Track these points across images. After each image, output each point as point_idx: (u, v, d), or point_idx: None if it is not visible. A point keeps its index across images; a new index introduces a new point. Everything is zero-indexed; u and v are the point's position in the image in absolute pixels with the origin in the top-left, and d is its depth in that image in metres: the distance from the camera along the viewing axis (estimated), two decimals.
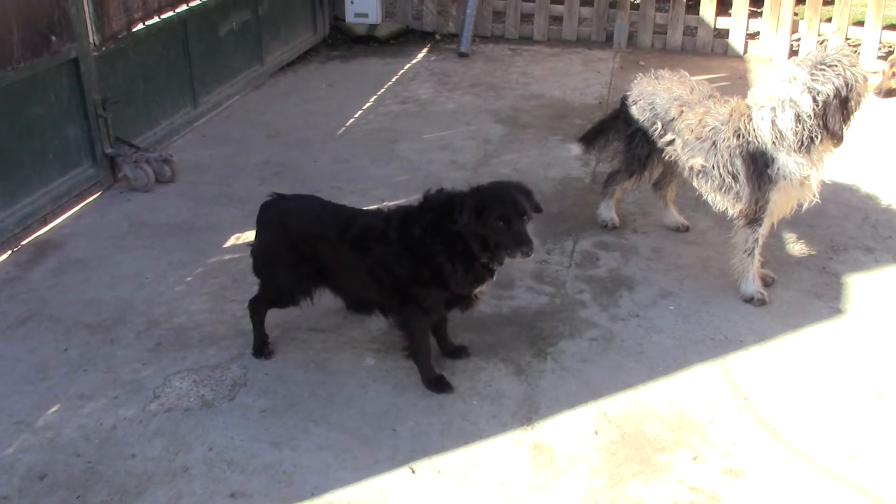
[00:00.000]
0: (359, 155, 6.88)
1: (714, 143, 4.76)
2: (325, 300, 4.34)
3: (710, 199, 5.00)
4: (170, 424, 3.85)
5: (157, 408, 3.96)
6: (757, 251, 4.81)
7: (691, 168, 4.93)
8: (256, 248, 4.28)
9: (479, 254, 3.83)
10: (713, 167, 4.80)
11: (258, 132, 7.31)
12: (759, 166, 4.58)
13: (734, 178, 4.73)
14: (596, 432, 3.84)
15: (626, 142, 5.37)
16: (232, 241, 5.46)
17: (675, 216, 5.69)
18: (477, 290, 3.99)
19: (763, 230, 4.78)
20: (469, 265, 3.87)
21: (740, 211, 4.81)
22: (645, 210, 5.95)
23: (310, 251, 4.07)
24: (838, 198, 6.06)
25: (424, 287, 3.91)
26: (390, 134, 7.32)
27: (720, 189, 4.85)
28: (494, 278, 4.00)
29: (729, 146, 4.68)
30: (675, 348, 4.44)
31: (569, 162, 6.75)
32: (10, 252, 5.28)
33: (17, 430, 3.81)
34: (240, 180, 6.38)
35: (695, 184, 5.02)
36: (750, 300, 4.82)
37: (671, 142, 5.00)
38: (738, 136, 4.64)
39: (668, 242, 5.52)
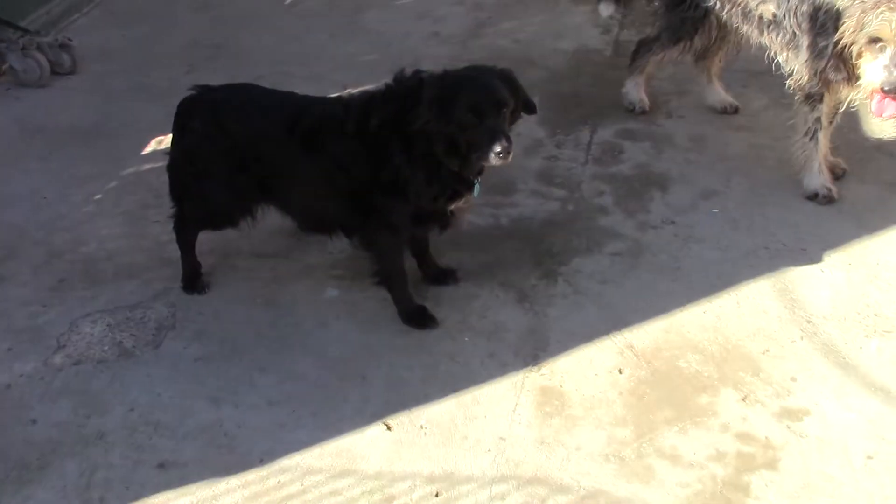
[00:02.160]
0: (314, 29, 6.78)
1: None
2: (273, 218, 4.31)
3: (781, 61, 4.92)
4: (79, 381, 3.84)
5: (63, 360, 3.95)
6: (822, 134, 4.76)
7: (760, 19, 4.82)
8: (178, 159, 4.20)
9: (445, 159, 3.77)
10: (784, 15, 4.69)
11: (183, 5, 7.21)
12: (821, 21, 4.49)
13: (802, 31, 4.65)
14: (620, 370, 3.85)
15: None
16: (153, 146, 5.41)
17: (720, 94, 5.61)
18: (452, 207, 3.96)
19: (826, 107, 4.71)
20: (433, 174, 3.82)
21: (795, 81, 4.74)
22: (682, 88, 5.87)
23: (251, 155, 4.02)
24: None
25: (386, 196, 3.88)
26: (354, 1, 7.21)
27: (789, 45, 4.76)
28: (476, 193, 3.95)
29: None
30: (721, 262, 4.43)
31: (584, 29, 6.65)
32: None
33: None
34: (161, 68, 6.28)
35: (765, 40, 4.93)
36: (814, 197, 4.79)
37: None
38: None
39: (712, 128, 5.46)
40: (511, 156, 3.63)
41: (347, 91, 4.88)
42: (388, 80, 3.90)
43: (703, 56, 5.50)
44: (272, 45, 6.58)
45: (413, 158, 3.78)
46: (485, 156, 3.63)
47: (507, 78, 3.77)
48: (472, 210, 4.27)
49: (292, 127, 3.95)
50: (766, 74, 5.38)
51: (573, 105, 5.66)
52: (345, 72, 6.12)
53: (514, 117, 3.79)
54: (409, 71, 3.87)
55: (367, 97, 3.93)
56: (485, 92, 3.65)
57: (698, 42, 5.31)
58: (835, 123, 4.86)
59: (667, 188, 4.96)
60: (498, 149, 3.58)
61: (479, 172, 3.87)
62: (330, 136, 3.89)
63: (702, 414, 3.64)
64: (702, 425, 3.59)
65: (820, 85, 4.63)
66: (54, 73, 6.16)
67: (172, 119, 4.16)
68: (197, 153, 4.12)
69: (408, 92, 3.76)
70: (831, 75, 4.49)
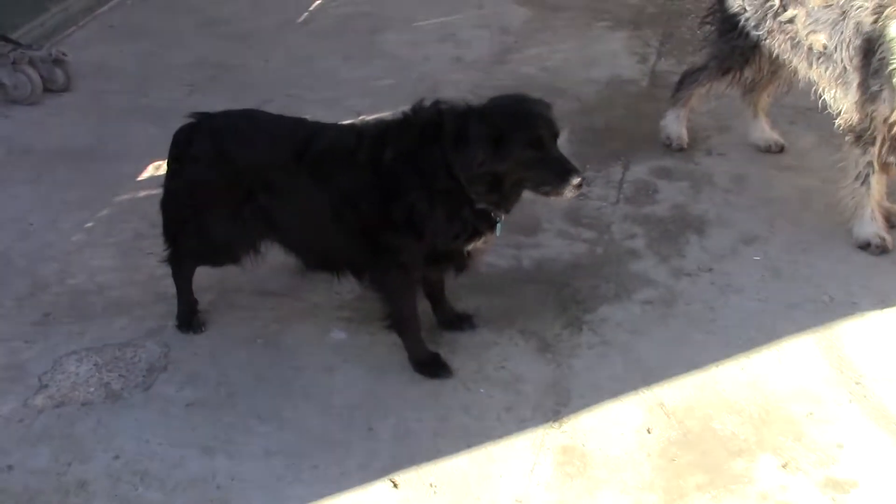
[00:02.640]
0: (327, 51, 6.83)
1: (844, 12, 4.64)
2: (276, 254, 4.33)
3: (828, 98, 4.93)
4: (61, 424, 3.85)
5: (45, 402, 3.96)
6: (874, 179, 4.76)
7: (810, 49, 4.84)
8: (175, 192, 4.22)
9: (483, 198, 3.80)
10: (835, 47, 4.70)
11: (187, 21, 7.27)
12: (877, 58, 4.50)
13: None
14: (648, 430, 3.84)
15: (723, 26, 5.30)
16: (150, 171, 5.46)
17: (765, 131, 5.63)
18: (470, 247, 3.97)
19: (878, 149, 4.72)
20: (455, 211, 3.83)
21: (845, 121, 4.75)
22: (723, 123, 5.89)
23: (257, 185, 4.04)
24: None
25: (398, 234, 3.89)
26: (371, 21, 7.27)
27: (838, 81, 4.77)
28: (498, 232, 3.97)
29: (859, 20, 4.57)
30: (761, 314, 4.42)
31: (619, 57, 6.69)
32: None
33: None
34: (161, 88, 6.34)
35: (813, 74, 4.94)
36: (866, 246, 4.78)
37: (791, 20, 4.91)
38: (880, 9, 4.50)
39: (755, 167, 5.48)
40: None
41: (361, 118, 4.93)
42: (406, 108, 3.94)
43: (751, 89, 5.53)
44: (281, 66, 6.64)
45: (433, 194, 3.80)
46: (559, 190, 3.71)
47: (543, 103, 3.85)
48: (492, 250, 4.29)
49: (300, 154, 3.98)
50: (815, 111, 5.42)
51: (605, 139, 5.68)
52: (359, 97, 6.17)
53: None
54: (427, 101, 3.90)
55: (383, 126, 3.96)
56: (543, 123, 3.71)
57: (748, 73, 5.34)
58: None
59: (704, 232, 4.97)
60: (577, 181, 3.67)
61: (509, 210, 3.90)
62: (339, 166, 3.92)
63: (737, 481, 3.62)
64: (737, 493, 3.57)
65: (872, 128, 4.63)
66: (46, 89, 6.21)
67: (173, 136, 4.20)
68: (198, 185, 4.13)
69: (426, 123, 3.80)
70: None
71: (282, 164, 4.00)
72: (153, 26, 7.17)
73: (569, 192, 3.72)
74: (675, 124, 5.63)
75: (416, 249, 3.93)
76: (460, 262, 4.04)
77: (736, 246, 4.87)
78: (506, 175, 3.72)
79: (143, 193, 5.24)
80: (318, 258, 4.21)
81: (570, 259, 4.78)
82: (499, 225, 3.93)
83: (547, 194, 3.77)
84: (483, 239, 3.96)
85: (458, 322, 4.35)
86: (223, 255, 4.27)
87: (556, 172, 3.70)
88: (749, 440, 3.79)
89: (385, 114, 4.24)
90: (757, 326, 4.35)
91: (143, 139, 5.72)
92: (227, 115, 4.21)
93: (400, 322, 4.09)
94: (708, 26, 5.50)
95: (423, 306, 4.24)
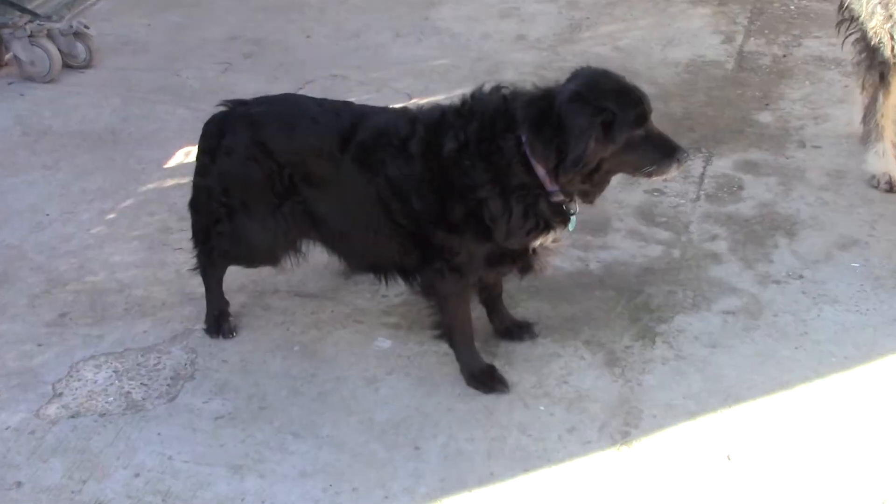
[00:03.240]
0: (375, 26, 6.85)
1: None
2: (317, 253, 4.36)
3: None
4: (76, 437, 3.89)
5: (59, 412, 4.00)
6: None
7: None
8: (208, 189, 4.22)
9: (574, 189, 3.79)
10: None
11: None
12: None
13: None
14: (728, 457, 3.81)
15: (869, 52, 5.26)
16: (179, 157, 5.52)
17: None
18: (538, 243, 3.96)
19: None
20: (532, 206, 3.82)
21: None
22: (818, 112, 5.86)
23: (299, 177, 4.06)
24: None
25: (456, 234, 3.89)
26: None
27: None
28: (571, 227, 3.96)
29: None
30: (860, 328, 4.38)
31: (702, 36, 6.66)
32: None
33: None
34: (193, 65, 6.40)
35: None
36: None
37: None
38: None
39: (855, 162, 5.44)
40: None
41: (413, 102, 4.92)
42: (465, 92, 3.94)
43: None
44: (324, 43, 6.67)
45: (506, 190, 3.78)
46: (664, 170, 3.78)
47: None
48: (549, 260, 4.27)
49: (346, 140, 3.99)
50: None
51: (684, 129, 5.65)
52: (411, 79, 6.19)
53: None
54: (488, 85, 3.90)
55: (439, 113, 3.95)
56: (644, 98, 3.74)
57: None
58: None
59: (795, 234, 4.94)
60: (683, 156, 3.75)
61: (593, 200, 3.91)
62: (389, 156, 3.92)
63: None
64: None
65: None
66: (66, 65, 6.30)
67: (202, 127, 4.23)
68: (233, 180, 4.15)
69: (493, 110, 3.80)
70: None
71: (326, 153, 4.02)
72: None
73: (674, 171, 3.81)
74: (878, 161, 5.38)
75: (478, 251, 3.93)
76: (526, 262, 4.03)
77: (831, 251, 4.84)
78: (606, 160, 3.71)
79: (170, 182, 5.30)
80: (363, 259, 4.22)
81: (642, 263, 4.77)
82: (573, 219, 3.93)
83: (650, 175, 3.83)
84: (552, 235, 3.96)
85: (517, 331, 4.35)
86: (260, 256, 4.31)
87: (662, 151, 3.74)
88: (847, 472, 3.74)
89: (440, 97, 4.25)
90: (854, 342, 4.31)
91: (171, 122, 5.79)
92: (263, 102, 4.23)
93: (452, 330, 4.10)
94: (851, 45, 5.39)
95: (478, 313, 4.25)
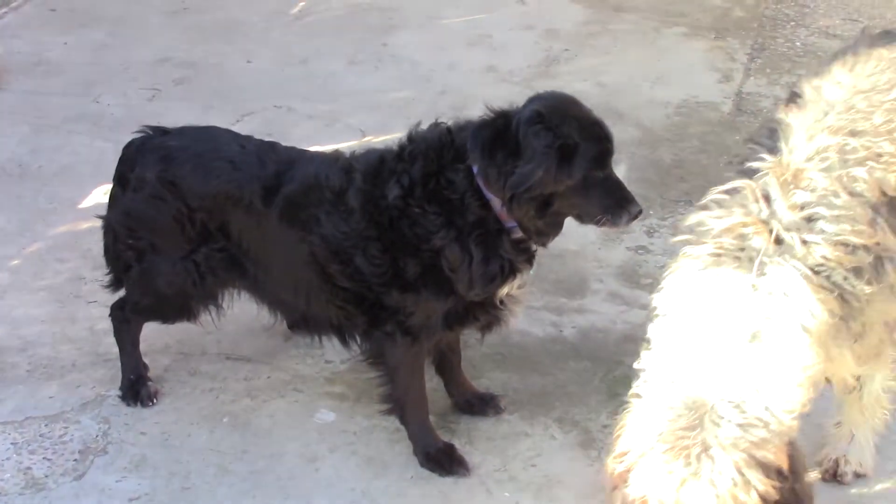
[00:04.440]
0: (326, 52, 6.89)
1: None
2: (248, 309, 4.36)
3: None
4: None
5: None
6: None
7: None
8: (117, 223, 4.26)
9: (526, 224, 3.80)
10: None
11: (152, 6, 7.35)
12: None
13: None
14: None
15: None
16: (97, 196, 5.50)
17: None
18: (505, 291, 3.98)
19: None
20: (493, 246, 3.83)
21: None
22: None
23: (216, 225, 4.09)
24: None
25: (412, 293, 3.90)
26: (384, 15, 7.34)
27: None
28: (533, 269, 4.00)
29: None
30: None
31: (696, 73, 6.73)
32: None
33: None
34: (116, 90, 6.41)
35: None
36: None
37: None
38: None
39: None
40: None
41: (368, 139, 4.93)
42: (402, 135, 3.98)
43: None
44: (268, 68, 6.69)
45: (463, 232, 3.80)
46: (617, 220, 3.81)
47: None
48: (526, 314, 4.28)
49: (270, 192, 4.00)
50: None
51: (674, 178, 5.70)
52: (365, 113, 6.22)
53: None
54: (423, 125, 3.96)
55: (376, 158, 3.98)
56: (607, 135, 3.80)
57: None
58: None
59: None
60: (636, 210, 3.81)
61: (546, 244, 3.94)
62: (323, 211, 3.93)
63: None
64: None
65: None
66: None
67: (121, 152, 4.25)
68: (141, 218, 4.18)
69: (436, 147, 3.84)
70: None
71: (245, 204, 4.03)
72: (108, 12, 7.22)
73: (623, 225, 3.86)
74: None
75: (437, 308, 3.94)
76: (491, 315, 4.04)
77: None
78: (559, 196, 3.75)
79: (85, 225, 5.26)
80: (298, 318, 4.23)
81: (623, 330, 4.79)
82: (534, 260, 3.98)
83: (598, 223, 3.84)
84: (519, 280, 3.97)
85: (480, 405, 4.35)
86: (173, 308, 4.29)
87: (617, 199, 3.79)
88: None
89: (397, 135, 4.26)
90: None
91: (89, 155, 5.79)
92: (183, 134, 4.25)
93: (404, 404, 4.09)
94: None
95: (434, 383, 4.25)
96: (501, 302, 4.00)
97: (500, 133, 3.73)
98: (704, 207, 3.53)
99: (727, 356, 3.14)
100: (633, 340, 4.66)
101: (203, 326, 4.36)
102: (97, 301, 4.71)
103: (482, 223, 3.79)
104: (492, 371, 4.50)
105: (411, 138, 3.91)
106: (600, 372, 4.56)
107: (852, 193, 3.35)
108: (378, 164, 3.92)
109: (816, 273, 3.20)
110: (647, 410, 3.24)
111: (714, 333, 3.19)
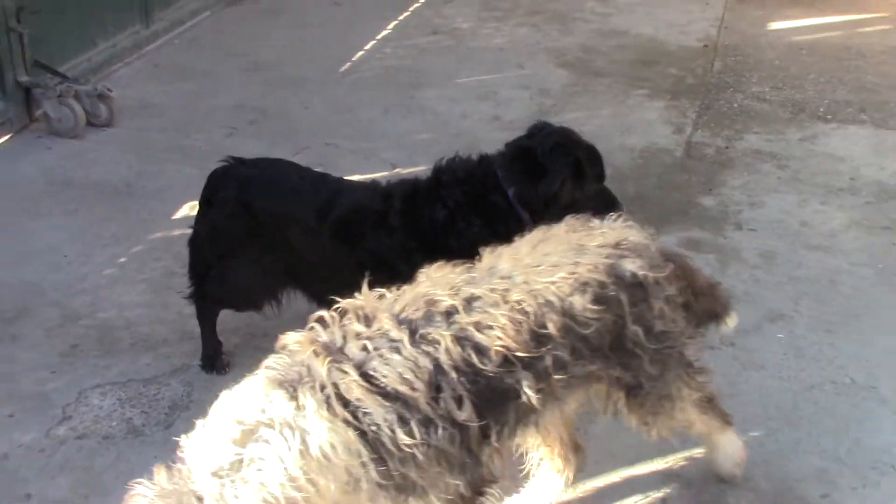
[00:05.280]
0: (367, 102, 6.91)
1: None
2: (302, 302, 4.36)
3: None
4: (82, 456, 3.91)
5: (67, 433, 4.02)
6: None
7: None
8: (203, 233, 4.30)
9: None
10: None
11: (232, 64, 7.36)
12: None
13: None
14: (664, 499, 3.83)
15: None
16: (185, 210, 5.55)
17: None
18: None
19: None
20: None
21: None
22: (755, 199, 5.93)
23: (279, 238, 4.13)
24: None
25: None
26: (412, 76, 7.34)
27: None
28: None
29: None
30: (781, 392, 4.42)
31: (655, 126, 6.74)
32: None
33: None
34: (203, 129, 6.45)
35: None
36: None
37: None
38: None
39: (784, 244, 5.50)
40: None
41: (397, 171, 4.96)
42: (433, 166, 4.06)
43: None
44: (320, 114, 6.73)
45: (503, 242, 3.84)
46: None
47: None
48: None
49: (322, 214, 4.04)
50: (847, 192, 5.44)
51: (636, 207, 5.70)
52: (396, 150, 6.25)
53: None
54: (445, 159, 4.03)
55: (408, 188, 4.03)
56: (600, 157, 4.02)
57: None
58: None
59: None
60: (620, 208, 3.95)
61: None
62: (368, 229, 3.97)
63: None
64: None
65: None
66: (90, 124, 6.33)
67: (207, 177, 4.30)
68: (220, 230, 4.22)
69: (479, 175, 3.95)
70: None
71: (302, 223, 4.08)
72: (198, 67, 7.25)
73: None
74: None
75: None
76: None
77: (760, 323, 4.87)
78: (574, 206, 3.80)
79: (176, 232, 5.31)
80: None
81: None
82: None
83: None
84: None
85: None
86: (245, 301, 4.35)
87: (606, 203, 3.93)
88: None
89: (421, 168, 4.29)
90: (776, 405, 4.34)
91: (180, 179, 5.81)
92: (256, 164, 4.29)
93: None
94: None
95: None
96: None
97: (527, 164, 3.89)
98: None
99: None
100: None
101: (266, 315, 4.37)
102: (183, 291, 4.72)
103: (517, 234, 3.86)
104: None
105: (442, 170, 3.98)
106: None
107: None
108: (413, 191, 3.99)
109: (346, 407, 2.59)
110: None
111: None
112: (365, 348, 2.73)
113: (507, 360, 2.80)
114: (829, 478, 3.98)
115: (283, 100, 6.88)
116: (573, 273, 2.99)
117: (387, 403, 2.63)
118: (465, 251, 3.83)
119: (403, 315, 2.83)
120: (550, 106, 6.97)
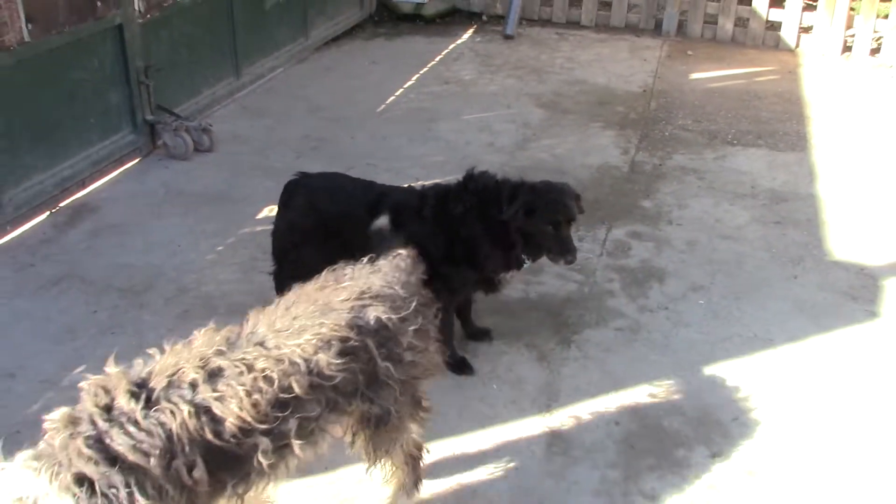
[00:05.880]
0: (396, 133, 6.86)
1: None
2: None
3: None
4: None
5: None
6: None
7: None
8: (280, 228, 4.24)
9: (524, 248, 3.92)
10: None
11: (299, 106, 7.31)
12: None
13: None
14: (616, 423, 3.80)
15: None
16: (265, 212, 5.49)
17: None
18: (506, 276, 4.03)
19: None
20: (508, 253, 3.94)
21: None
22: (682, 202, 5.85)
23: (336, 229, 4.07)
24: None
25: (455, 266, 3.92)
26: (430, 114, 7.28)
27: None
28: (520, 269, 4.05)
29: None
30: (703, 343, 4.38)
31: (608, 150, 6.66)
32: (48, 213, 5.36)
33: (43, 389, 3.88)
34: (277, 153, 6.39)
35: None
36: None
37: None
38: None
39: (704, 236, 5.43)
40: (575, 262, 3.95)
41: (420, 183, 4.91)
42: (457, 176, 4.00)
43: None
44: (363, 142, 6.68)
45: (494, 239, 3.90)
46: (556, 260, 3.92)
47: (573, 194, 4.00)
48: (511, 284, 4.27)
49: (373, 209, 3.99)
50: (749, 196, 5.37)
51: (594, 209, 5.64)
52: (418, 169, 6.18)
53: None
54: (476, 169, 3.99)
55: (441, 190, 4.00)
56: (564, 210, 3.87)
57: None
58: None
59: (663, 280, 4.93)
60: (569, 258, 3.86)
61: (535, 260, 4.03)
62: (408, 219, 3.92)
63: (679, 464, 3.59)
64: (678, 474, 3.54)
65: None
66: (196, 150, 6.28)
67: (283, 188, 4.23)
68: (296, 225, 4.17)
69: (483, 190, 3.90)
70: None
71: (356, 217, 4.01)
72: (274, 108, 7.21)
73: (561, 264, 3.98)
74: None
75: (469, 277, 3.99)
76: (492, 286, 4.09)
77: (686, 292, 4.82)
78: (531, 237, 3.86)
79: (259, 228, 5.26)
80: None
81: (564, 294, 4.76)
82: (525, 265, 4.02)
83: (550, 259, 3.96)
84: (511, 272, 4.03)
85: (480, 335, 4.34)
86: (312, 276, 4.29)
87: (559, 249, 3.86)
88: (689, 436, 3.75)
89: (437, 180, 4.24)
90: (699, 352, 4.31)
91: (261, 189, 5.75)
92: (318, 177, 4.24)
93: (441, 330, 4.07)
94: None
95: (456, 324, 4.23)
96: (500, 280, 4.03)
97: (512, 193, 3.85)
98: None
99: None
100: (570, 301, 4.72)
101: None
102: (264, 272, 4.67)
103: (505, 240, 3.91)
104: (487, 316, 4.47)
105: (470, 177, 3.96)
106: (550, 319, 4.53)
107: None
108: (444, 194, 3.97)
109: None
110: None
111: None
112: (104, 420, 2.29)
113: (243, 430, 2.39)
114: (738, 406, 3.95)
115: (335, 132, 6.83)
116: (317, 334, 2.59)
117: (117, 471, 2.20)
118: (469, 240, 3.86)
119: (150, 385, 2.42)
120: (531, 135, 6.90)
